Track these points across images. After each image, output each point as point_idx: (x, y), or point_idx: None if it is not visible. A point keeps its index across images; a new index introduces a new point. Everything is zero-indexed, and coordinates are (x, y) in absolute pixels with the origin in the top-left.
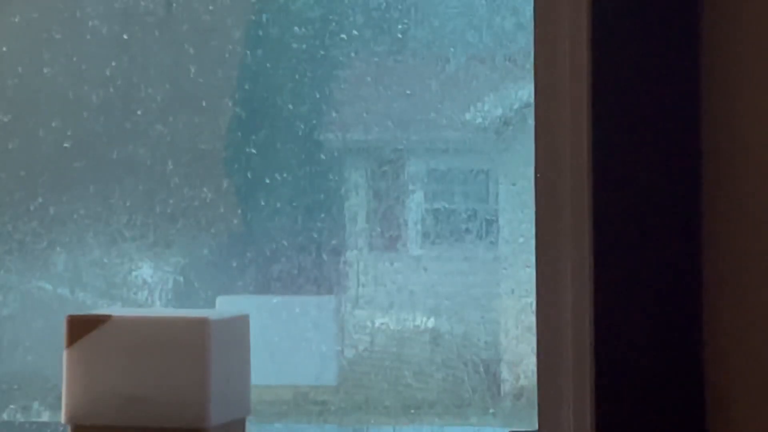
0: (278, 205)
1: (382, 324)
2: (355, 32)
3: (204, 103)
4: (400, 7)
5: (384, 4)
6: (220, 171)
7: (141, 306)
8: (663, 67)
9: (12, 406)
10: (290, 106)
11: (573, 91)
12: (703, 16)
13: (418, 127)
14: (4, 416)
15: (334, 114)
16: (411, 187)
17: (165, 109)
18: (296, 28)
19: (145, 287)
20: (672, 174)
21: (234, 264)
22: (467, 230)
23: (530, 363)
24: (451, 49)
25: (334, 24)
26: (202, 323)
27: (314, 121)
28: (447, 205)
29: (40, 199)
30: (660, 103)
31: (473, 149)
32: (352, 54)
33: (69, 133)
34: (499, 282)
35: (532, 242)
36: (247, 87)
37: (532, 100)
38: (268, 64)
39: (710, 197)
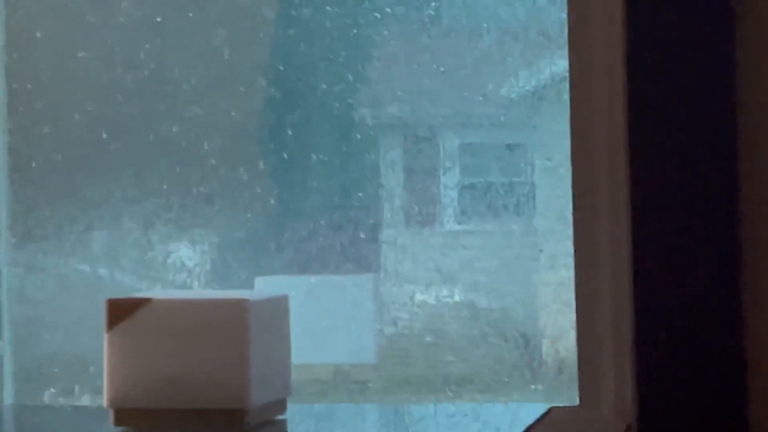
0: (315, 184)
1: (420, 301)
2: (387, 10)
3: (238, 84)
4: None
5: None
6: (256, 151)
7: (180, 287)
8: (699, 39)
9: (53, 390)
10: (324, 86)
11: (608, 64)
12: None
13: (452, 104)
14: (45, 399)
15: (368, 92)
16: (447, 163)
17: (199, 90)
18: (329, 8)
19: (183, 269)
20: (710, 148)
21: (272, 244)
22: (504, 206)
23: (570, 337)
24: (484, 25)
25: (366, 2)
26: (241, 304)
27: (349, 100)
28: (483, 181)
29: (76, 183)
30: (697, 76)
31: (508, 125)
32: (385, 32)
33: (104, 117)
34: (536, 257)
35: (570, 216)
36: (281, 67)
37: (566, 74)
38: (301, 44)
39: (748, 169)
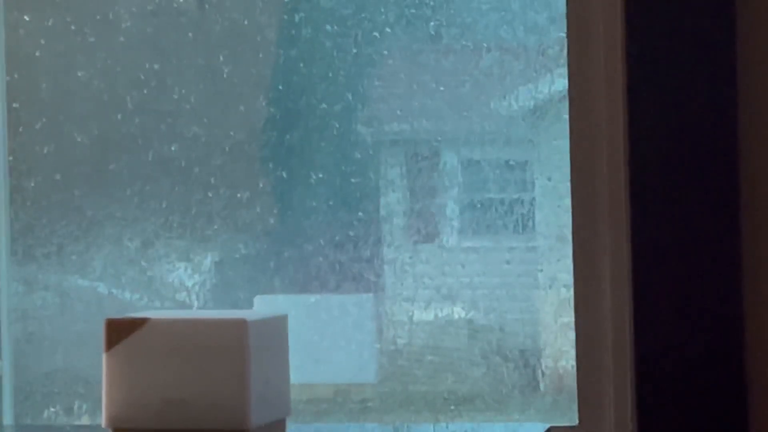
0: (314, 203)
1: (420, 320)
2: (387, 30)
3: (238, 104)
4: (432, 3)
5: (416, 0)
6: (255, 171)
7: (179, 306)
8: (700, 58)
9: (52, 409)
10: (324, 105)
11: (608, 82)
12: (738, 11)
13: (452, 123)
14: (45, 418)
15: (368, 112)
16: (447, 183)
17: (199, 109)
18: (329, 27)
19: (182, 288)
20: (712, 166)
21: (271, 263)
22: (504, 225)
23: (570, 357)
24: (484, 44)
25: (366, 22)
26: (240, 324)
27: (348, 120)
28: (483, 201)
29: (76, 202)
30: (697, 94)
31: (508, 144)
32: (385, 52)
33: (104, 136)
34: (536, 275)
35: (569, 235)
36: (280, 87)
37: (566, 93)
38: (301, 64)
39: (749, 190)
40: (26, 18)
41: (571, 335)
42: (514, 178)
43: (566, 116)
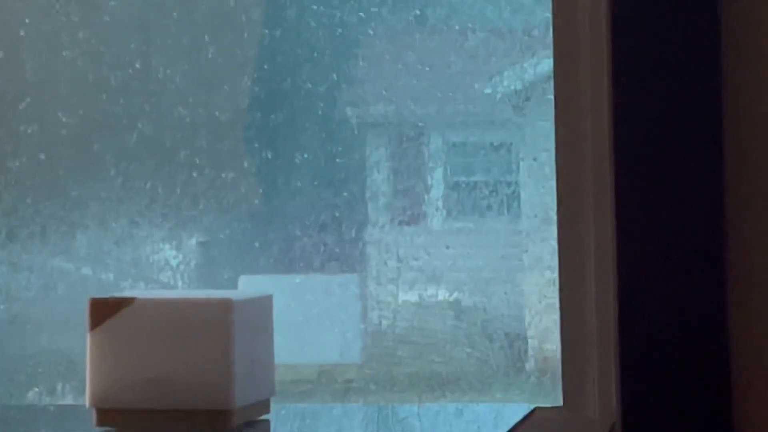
0: (299, 183)
1: (405, 301)
2: (373, 9)
3: (223, 83)
4: None
5: None
6: (240, 151)
7: (164, 287)
8: (685, 39)
9: (36, 389)
10: (309, 85)
11: (593, 63)
12: None
13: (438, 104)
14: (29, 398)
15: (353, 92)
16: (432, 164)
17: (184, 90)
18: (314, 7)
19: (167, 268)
20: (695, 148)
21: (256, 244)
22: (489, 206)
23: (555, 338)
24: (470, 25)
25: (352, 2)
26: (225, 304)
27: (334, 100)
28: (468, 181)
29: (61, 183)
30: (682, 75)
31: (494, 124)
32: (371, 32)
33: (88, 116)
34: (521, 256)
35: (555, 216)
36: (265, 67)
37: (551, 74)
38: (286, 44)
39: (733, 173)
40: None
41: (556, 316)
42: (499, 159)
43: (551, 97)
